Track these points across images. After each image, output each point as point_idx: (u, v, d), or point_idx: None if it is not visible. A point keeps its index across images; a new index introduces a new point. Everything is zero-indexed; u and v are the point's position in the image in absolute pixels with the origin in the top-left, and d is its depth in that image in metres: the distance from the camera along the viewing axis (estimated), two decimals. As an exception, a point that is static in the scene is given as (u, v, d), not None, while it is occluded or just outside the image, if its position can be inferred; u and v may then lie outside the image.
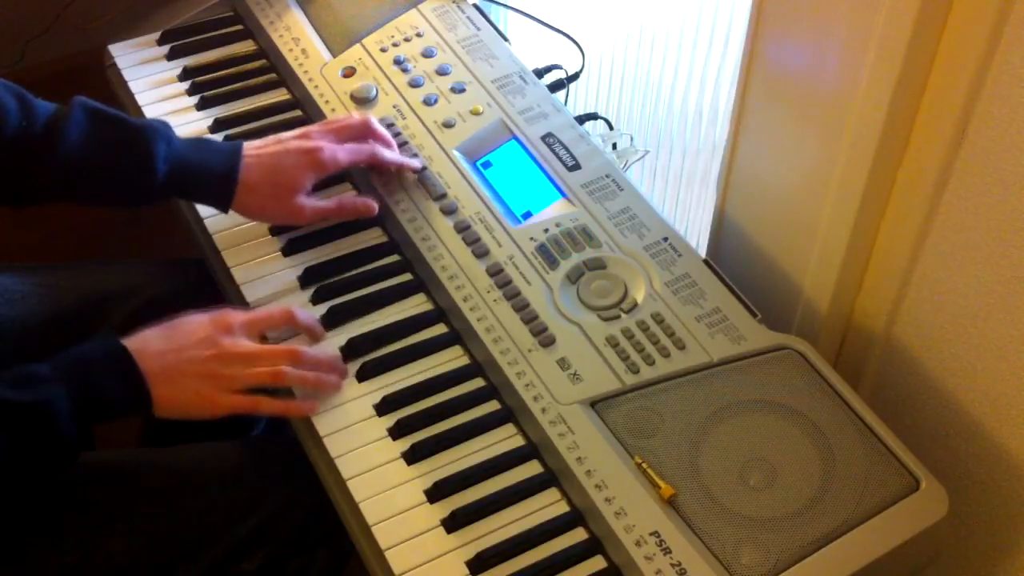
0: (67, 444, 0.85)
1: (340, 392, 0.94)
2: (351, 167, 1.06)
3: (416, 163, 1.08)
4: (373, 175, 1.09)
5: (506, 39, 1.21)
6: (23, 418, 0.82)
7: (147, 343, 0.89)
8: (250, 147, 1.02)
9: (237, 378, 0.90)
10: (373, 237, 1.07)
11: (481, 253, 1.01)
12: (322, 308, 1.00)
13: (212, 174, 1.00)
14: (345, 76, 1.18)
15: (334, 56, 1.21)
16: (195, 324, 0.91)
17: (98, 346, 0.88)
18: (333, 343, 0.97)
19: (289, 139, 1.03)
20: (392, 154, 1.07)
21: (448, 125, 1.12)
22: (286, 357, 0.92)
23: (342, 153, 1.03)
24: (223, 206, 1.01)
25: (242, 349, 0.91)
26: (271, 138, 1.04)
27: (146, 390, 0.87)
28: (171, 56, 1.25)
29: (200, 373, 0.88)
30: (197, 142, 1.02)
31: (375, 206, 1.06)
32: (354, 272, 1.03)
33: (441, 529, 0.85)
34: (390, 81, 1.17)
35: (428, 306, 1.01)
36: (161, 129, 0.99)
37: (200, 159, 1.00)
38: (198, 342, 0.89)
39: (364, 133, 1.07)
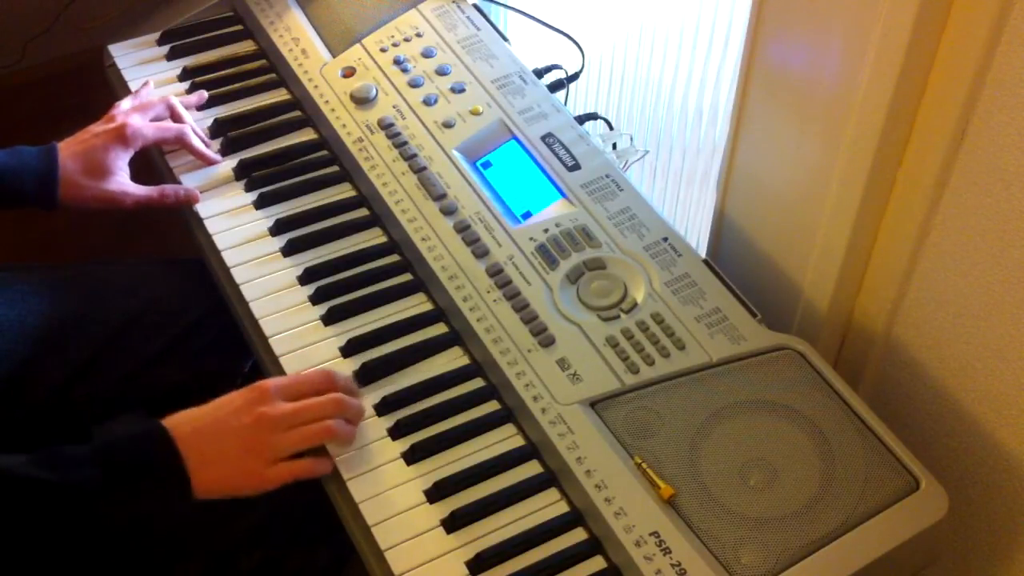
0: (102, 527, 0.82)
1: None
2: (159, 143, 1.11)
3: (216, 157, 1.13)
4: (373, 175, 1.09)
5: (506, 39, 1.21)
6: (55, 500, 0.80)
7: (183, 421, 0.85)
8: (62, 144, 1.06)
9: (282, 443, 0.86)
10: (373, 237, 1.07)
11: (481, 253, 1.01)
12: (322, 308, 1.00)
13: (33, 174, 1.03)
14: (345, 76, 1.18)
15: (334, 56, 1.21)
16: (230, 396, 0.88)
17: (134, 428, 0.85)
18: (333, 343, 0.98)
19: (96, 126, 1.09)
20: (198, 141, 1.12)
21: (448, 125, 1.12)
22: (334, 408, 0.89)
23: (148, 129, 1.09)
24: (49, 202, 1.04)
25: (283, 410, 0.87)
26: (80, 132, 1.09)
27: (183, 473, 0.82)
28: (171, 56, 1.25)
29: (242, 445, 0.85)
30: (11, 150, 1.04)
31: (198, 195, 1.09)
32: (354, 272, 1.03)
33: (441, 529, 0.85)
34: (390, 81, 1.17)
35: (428, 306, 1.01)
36: None
37: (18, 163, 1.03)
38: (235, 411, 0.86)
39: (166, 110, 1.12)
